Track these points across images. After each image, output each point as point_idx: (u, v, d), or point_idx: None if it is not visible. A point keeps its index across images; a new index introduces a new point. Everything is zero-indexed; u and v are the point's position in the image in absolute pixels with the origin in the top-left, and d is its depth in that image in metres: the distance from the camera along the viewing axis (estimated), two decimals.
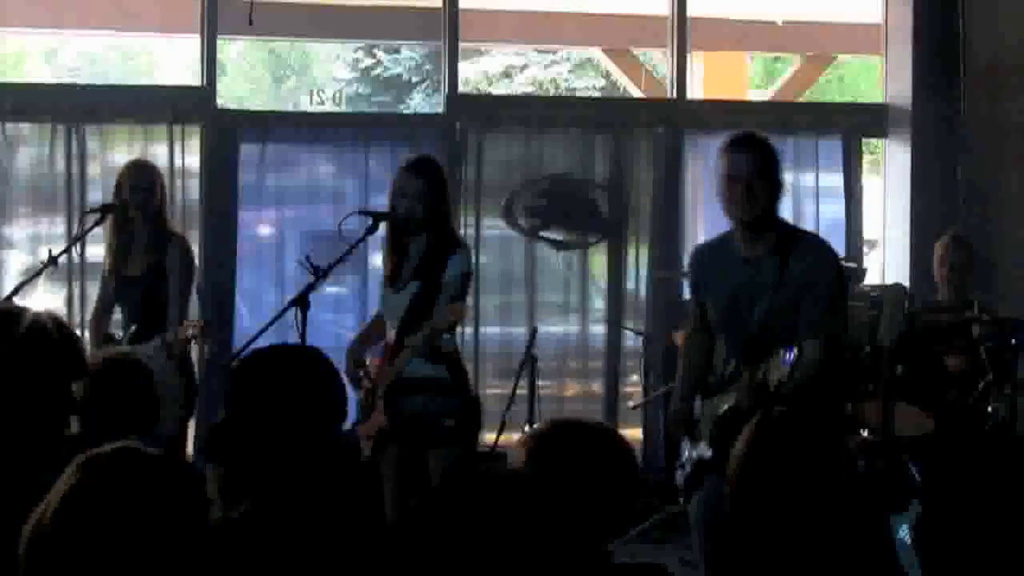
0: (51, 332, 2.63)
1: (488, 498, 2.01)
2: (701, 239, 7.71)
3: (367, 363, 5.16)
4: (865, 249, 7.91)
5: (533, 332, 6.50)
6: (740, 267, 4.55)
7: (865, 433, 5.42)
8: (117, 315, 5.82)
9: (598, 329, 7.55)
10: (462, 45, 7.50)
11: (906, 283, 6.86)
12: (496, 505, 2.01)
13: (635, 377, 7.57)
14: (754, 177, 4.45)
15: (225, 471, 2.60)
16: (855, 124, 7.77)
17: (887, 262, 7.73)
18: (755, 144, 4.54)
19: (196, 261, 5.97)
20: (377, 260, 6.67)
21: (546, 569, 2.02)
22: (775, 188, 4.52)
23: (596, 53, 10.70)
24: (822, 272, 4.46)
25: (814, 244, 4.62)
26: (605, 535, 2.55)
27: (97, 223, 5.64)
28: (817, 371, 4.35)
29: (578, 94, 15.19)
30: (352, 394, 5.09)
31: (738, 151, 4.50)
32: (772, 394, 4.25)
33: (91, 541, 1.90)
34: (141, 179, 5.67)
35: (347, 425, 5.01)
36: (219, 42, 7.22)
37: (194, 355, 6.07)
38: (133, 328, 5.53)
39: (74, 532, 1.90)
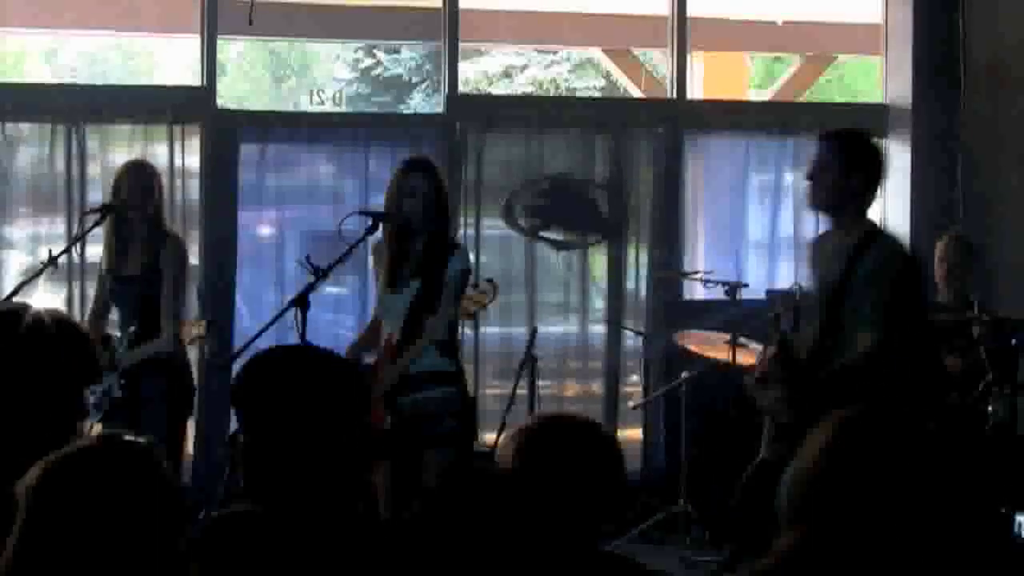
0: (62, 332, 2.62)
1: (483, 499, 2.01)
2: (701, 239, 7.75)
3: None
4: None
5: (533, 332, 6.50)
6: (830, 256, 4.67)
7: None
8: (114, 316, 5.82)
9: (598, 329, 7.54)
10: (462, 45, 7.50)
11: None
12: (489, 505, 2.01)
13: (635, 377, 7.57)
14: (816, 169, 4.62)
15: (245, 470, 2.60)
16: (855, 124, 7.74)
17: None
18: (829, 138, 4.69)
19: (190, 258, 5.96)
20: None
21: (541, 565, 2.02)
22: (842, 183, 4.58)
23: (596, 53, 10.70)
24: (885, 270, 4.50)
25: (887, 243, 4.65)
26: (595, 529, 2.56)
27: (97, 223, 5.64)
28: (864, 364, 4.42)
29: (578, 94, 15.17)
30: None
31: (818, 143, 4.70)
32: (806, 373, 4.42)
33: (60, 544, 1.90)
34: (139, 179, 5.67)
35: None
36: (219, 42, 7.22)
37: (193, 355, 6.07)
38: (132, 329, 5.52)
39: (42, 538, 1.91)
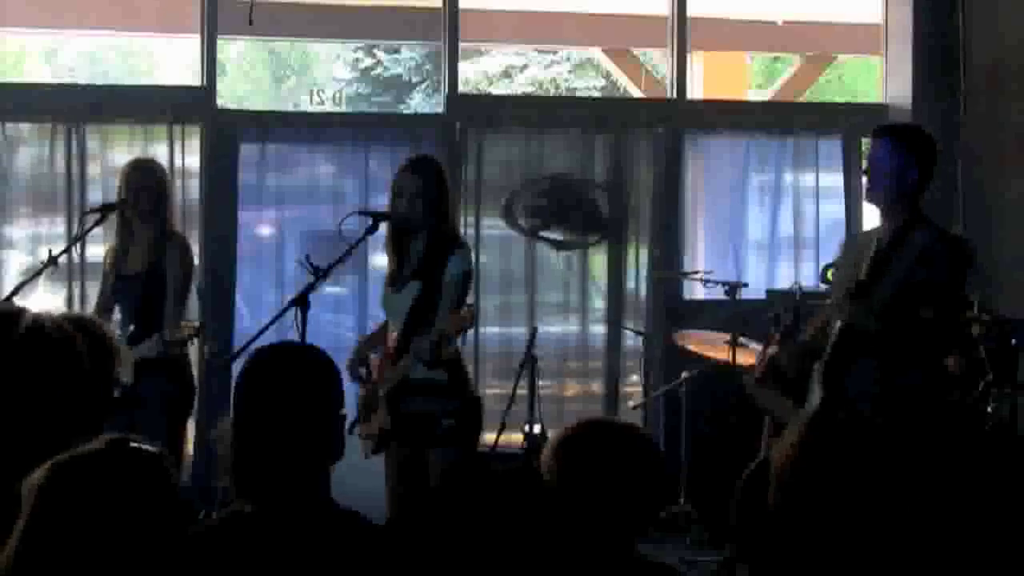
0: (50, 334, 2.61)
1: (498, 498, 2.01)
2: (701, 239, 7.75)
3: (370, 361, 5.17)
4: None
5: (533, 332, 6.50)
6: (870, 242, 4.69)
7: None
8: (117, 315, 5.81)
9: (598, 329, 7.54)
10: (462, 45, 7.50)
11: None
12: (512, 505, 2.00)
13: (635, 377, 7.57)
14: (871, 167, 4.65)
15: (235, 468, 2.61)
16: (855, 124, 7.76)
17: None
18: (886, 134, 4.72)
19: (195, 261, 5.95)
20: (377, 260, 6.68)
21: (575, 568, 2.01)
22: (898, 179, 4.61)
23: (596, 53, 10.71)
24: (935, 251, 4.53)
25: (932, 226, 4.67)
26: (635, 532, 2.56)
27: (97, 223, 5.64)
28: (869, 330, 4.46)
29: (578, 94, 15.17)
30: (353, 393, 5.11)
31: (873, 138, 4.73)
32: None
33: (63, 542, 1.90)
34: (140, 179, 5.66)
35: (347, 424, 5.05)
36: (219, 42, 7.22)
37: (193, 355, 6.06)
38: (131, 328, 5.52)
39: (46, 535, 1.91)
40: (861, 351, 4.51)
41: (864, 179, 4.75)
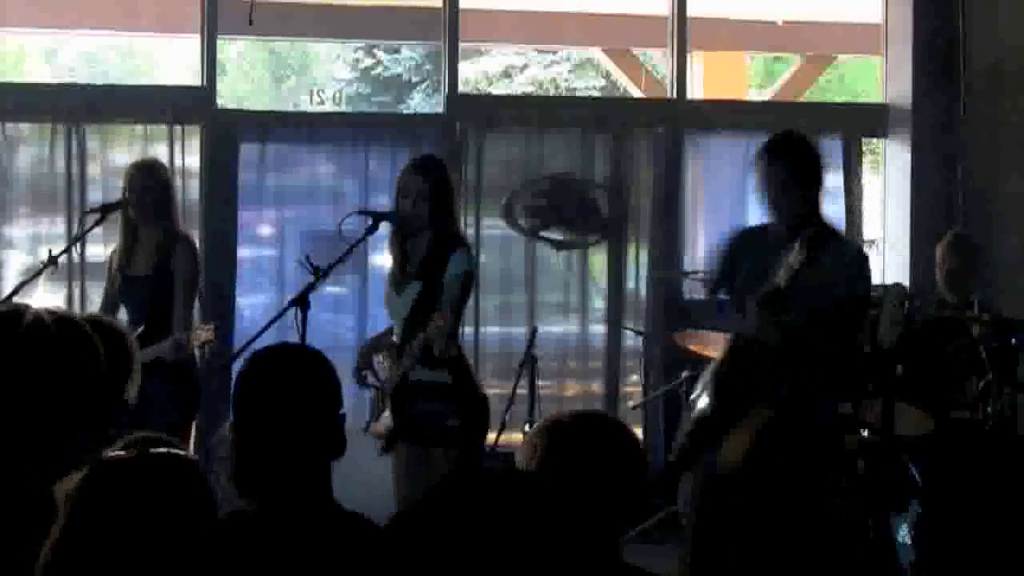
0: (52, 330, 2.59)
1: (489, 498, 2.01)
2: (701, 239, 7.75)
3: (375, 363, 5.17)
4: (865, 249, 7.91)
5: (533, 332, 6.50)
6: (777, 249, 4.67)
7: (865, 433, 5.42)
8: (122, 315, 5.80)
9: (598, 329, 7.55)
10: (462, 45, 7.50)
11: (906, 283, 6.85)
12: (503, 503, 2.00)
13: (635, 377, 7.57)
14: (782, 188, 4.62)
15: (236, 469, 2.61)
16: (855, 124, 7.77)
17: (887, 262, 7.73)
18: (788, 150, 4.67)
19: (202, 263, 5.94)
20: (377, 260, 6.68)
21: (560, 567, 2.00)
22: (808, 193, 4.59)
23: (596, 53, 10.71)
24: (843, 269, 4.52)
25: (846, 246, 4.68)
26: (617, 535, 2.55)
27: (97, 223, 5.63)
28: (797, 331, 4.49)
29: (578, 94, 15.17)
30: (360, 393, 5.13)
31: (770, 158, 4.67)
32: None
33: (101, 548, 1.89)
34: (147, 179, 5.65)
35: (362, 425, 5.08)
36: (219, 42, 7.22)
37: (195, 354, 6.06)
38: (139, 330, 5.51)
39: (84, 540, 1.89)
40: (763, 363, 4.51)
41: (762, 197, 4.71)
